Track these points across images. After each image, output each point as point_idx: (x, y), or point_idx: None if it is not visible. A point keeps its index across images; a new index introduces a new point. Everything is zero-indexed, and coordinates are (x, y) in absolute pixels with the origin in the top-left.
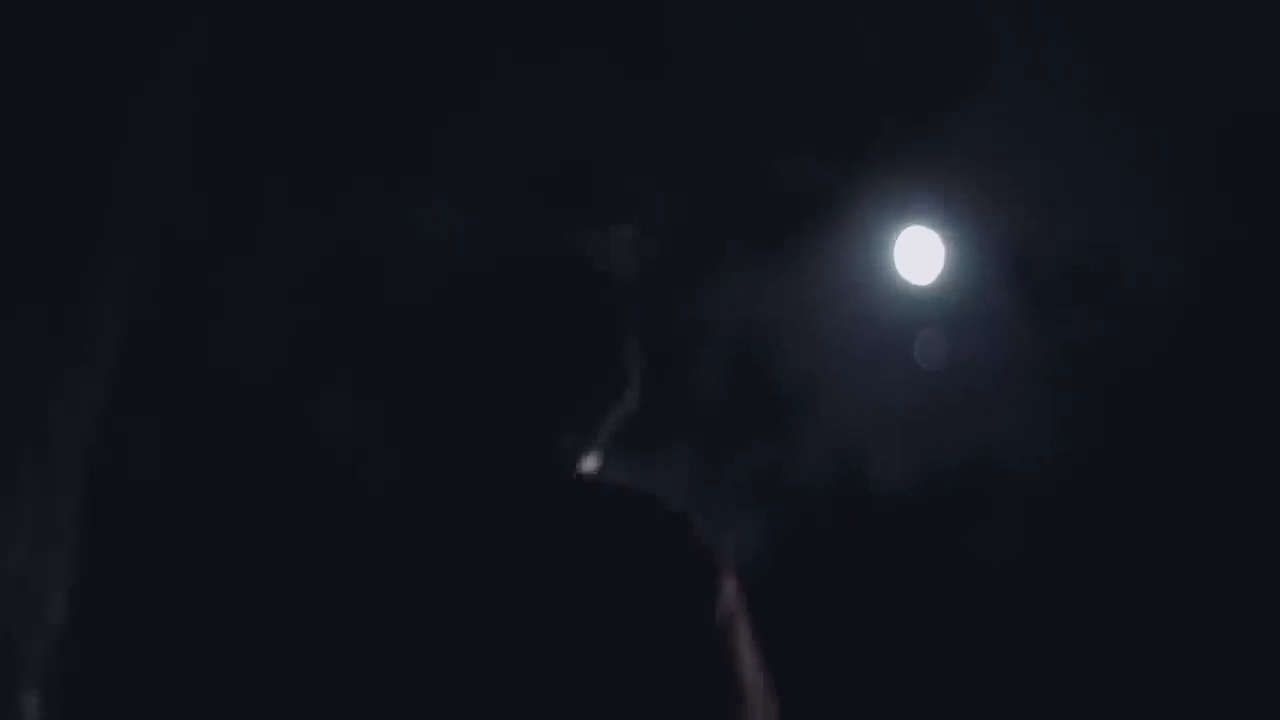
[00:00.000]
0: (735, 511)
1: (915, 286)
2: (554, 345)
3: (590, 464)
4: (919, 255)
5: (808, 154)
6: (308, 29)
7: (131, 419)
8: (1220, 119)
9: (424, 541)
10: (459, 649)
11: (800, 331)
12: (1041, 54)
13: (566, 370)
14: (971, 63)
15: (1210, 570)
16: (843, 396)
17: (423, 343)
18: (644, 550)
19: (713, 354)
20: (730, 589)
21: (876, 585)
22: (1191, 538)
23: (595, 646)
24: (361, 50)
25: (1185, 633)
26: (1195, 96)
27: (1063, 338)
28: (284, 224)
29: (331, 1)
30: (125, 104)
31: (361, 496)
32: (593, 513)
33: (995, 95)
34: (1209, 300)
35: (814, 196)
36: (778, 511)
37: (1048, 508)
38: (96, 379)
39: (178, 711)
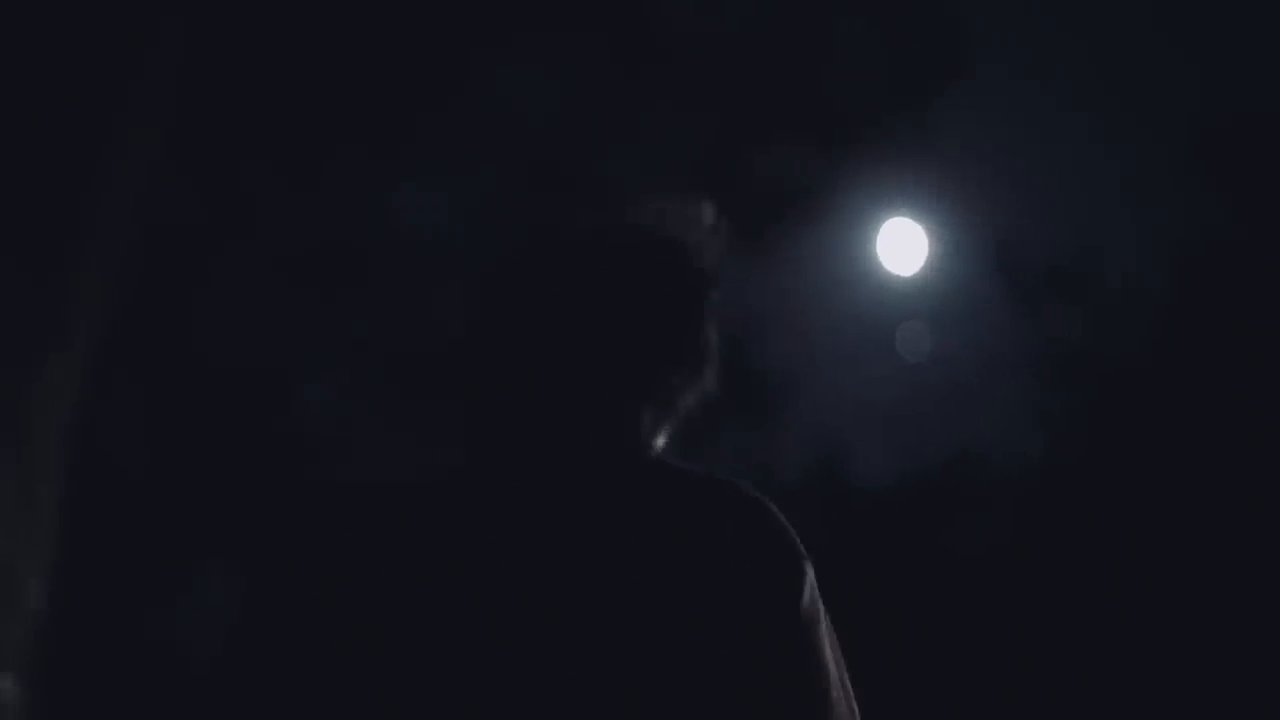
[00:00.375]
0: None
1: (898, 278)
2: (638, 319)
3: (661, 438)
4: (902, 247)
5: (790, 144)
6: (296, 14)
7: (112, 404)
8: (1208, 115)
9: (498, 524)
10: (533, 636)
11: (782, 322)
12: (1028, 46)
13: (648, 345)
14: (957, 54)
15: (1194, 565)
16: (824, 388)
17: (505, 313)
18: (730, 537)
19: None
20: (813, 578)
21: (858, 578)
22: (1174, 533)
23: (677, 634)
24: (348, 36)
25: (1168, 627)
26: (1183, 92)
27: (1047, 331)
28: (271, 209)
29: None
30: (108, 88)
31: (399, 480)
32: (678, 497)
33: (980, 87)
34: (1194, 296)
35: (797, 187)
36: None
37: (1030, 501)
38: (76, 364)
39: (161, 697)
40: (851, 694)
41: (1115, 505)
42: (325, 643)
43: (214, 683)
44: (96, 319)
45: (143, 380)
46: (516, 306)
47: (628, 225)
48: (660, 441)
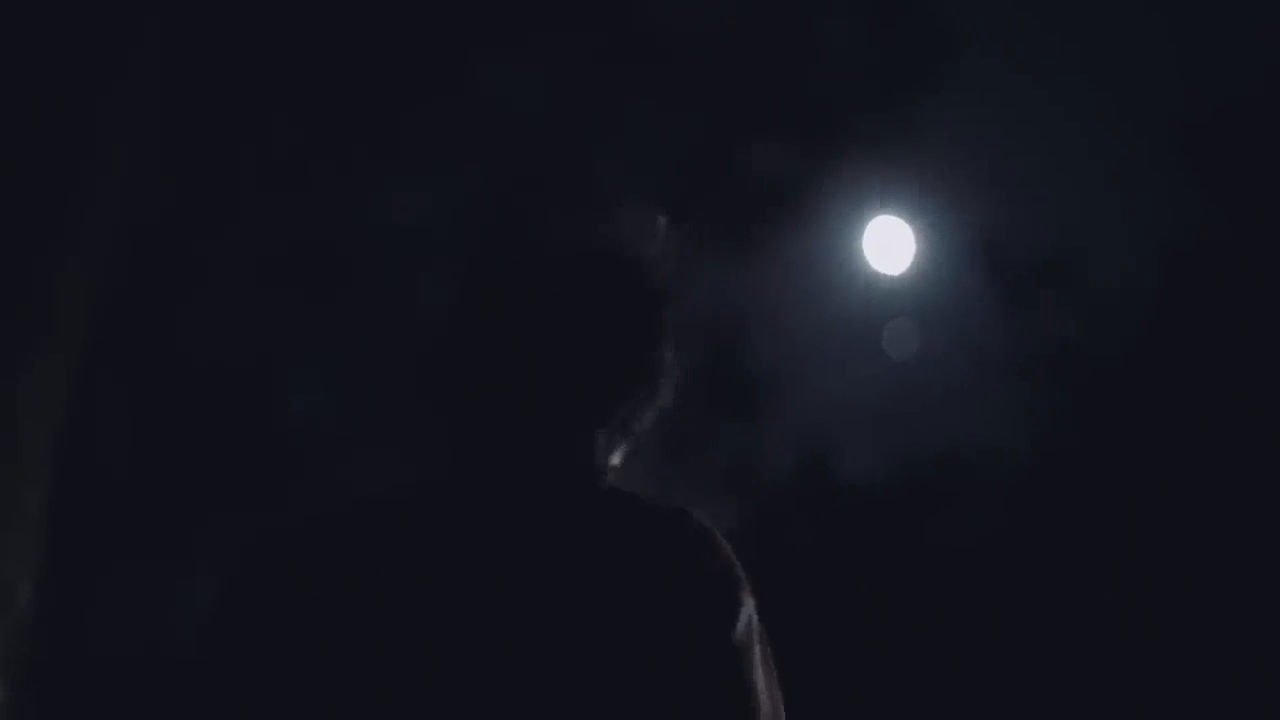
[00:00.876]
0: (703, 501)
1: (885, 276)
2: (592, 340)
3: (616, 458)
4: (889, 245)
5: (776, 143)
6: (282, 13)
7: (98, 406)
8: (1194, 112)
9: (442, 545)
10: (468, 657)
11: (769, 321)
12: (1014, 44)
13: (603, 367)
14: (942, 53)
15: (1183, 563)
16: (812, 387)
17: (451, 333)
18: (667, 564)
19: (680, 342)
20: (751, 609)
21: (845, 576)
22: (1162, 531)
23: (606, 658)
24: (336, 34)
25: (1158, 625)
26: (1169, 89)
27: (1034, 329)
28: (256, 209)
29: None
30: (92, 88)
31: (358, 493)
32: (623, 525)
33: (966, 85)
34: (1182, 294)
35: (783, 186)
36: (745, 502)
37: (1018, 499)
38: (63, 367)
39: (146, 700)
40: None
41: (1103, 503)
42: (279, 651)
43: (179, 684)
44: (82, 321)
45: (129, 382)
46: (470, 329)
47: (582, 242)
48: (615, 460)
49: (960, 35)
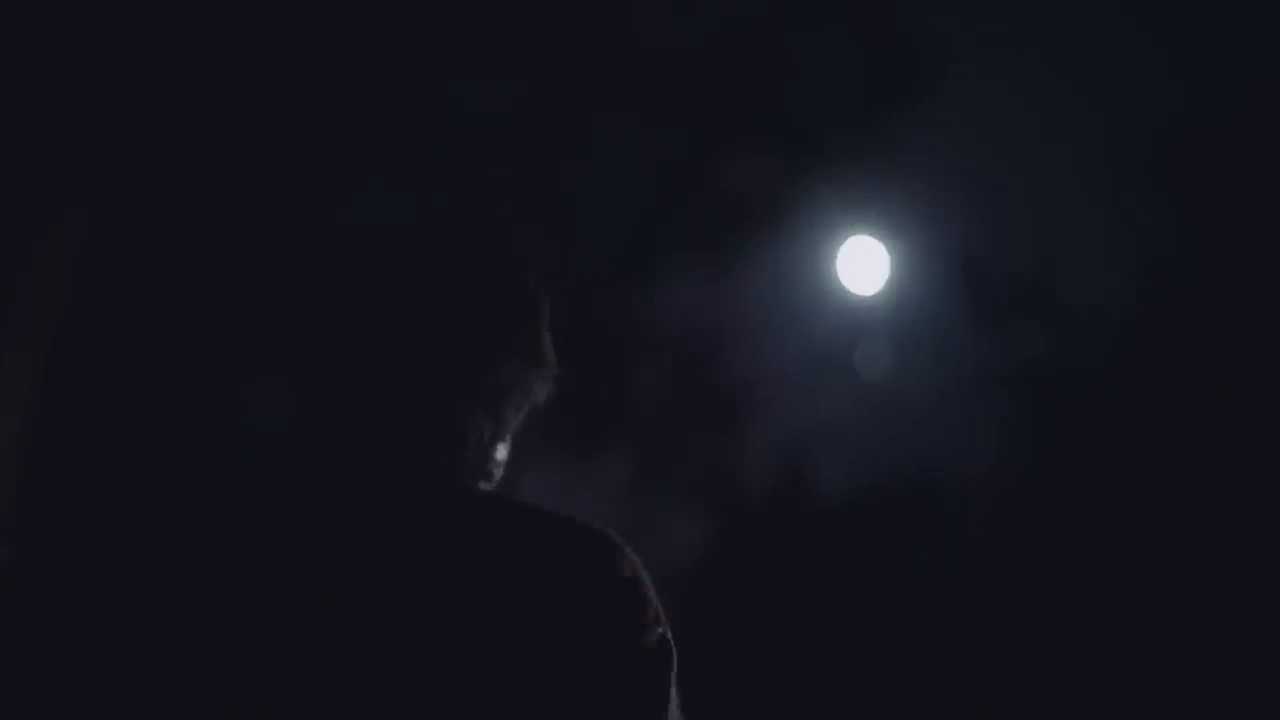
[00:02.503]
0: (674, 517)
1: (859, 296)
2: (459, 324)
3: (501, 453)
4: (864, 264)
5: (754, 157)
6: (257, 18)
7: (64, 407)
8: (1175, 132)
9: (318, 554)
10: (345, 667)
11: (743, 337)
12: (996, 63)
13: (469, 346)
14: (924, 69)
15: (1158, 582)
16: (784, 404)
17: (327, 321)
18: (564, 576)
19: (653, 358)
20: (653, 620)
21: (817, 593)
22: (1135, 551)
23: (504, 678)
24: (307, 40)
25: (1131, 643)
26: (1151, 108)
27: (1011, 349)
28: (221, 215)
29: None
30: (65, 87)
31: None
32: (508, 532)
33: (947, 103)
34: (1160, 315)
35: (759, 201)
36: (717, 519)
37: (992, 519)
38: (29, 367)
39: (111, 704)
40: None
41: (1079, 523)
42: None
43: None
44: (50, 322)
45: (94, 384)
46: (337, 315)
47: (450, 233)
48: (500, 457)
49: (941, 53)
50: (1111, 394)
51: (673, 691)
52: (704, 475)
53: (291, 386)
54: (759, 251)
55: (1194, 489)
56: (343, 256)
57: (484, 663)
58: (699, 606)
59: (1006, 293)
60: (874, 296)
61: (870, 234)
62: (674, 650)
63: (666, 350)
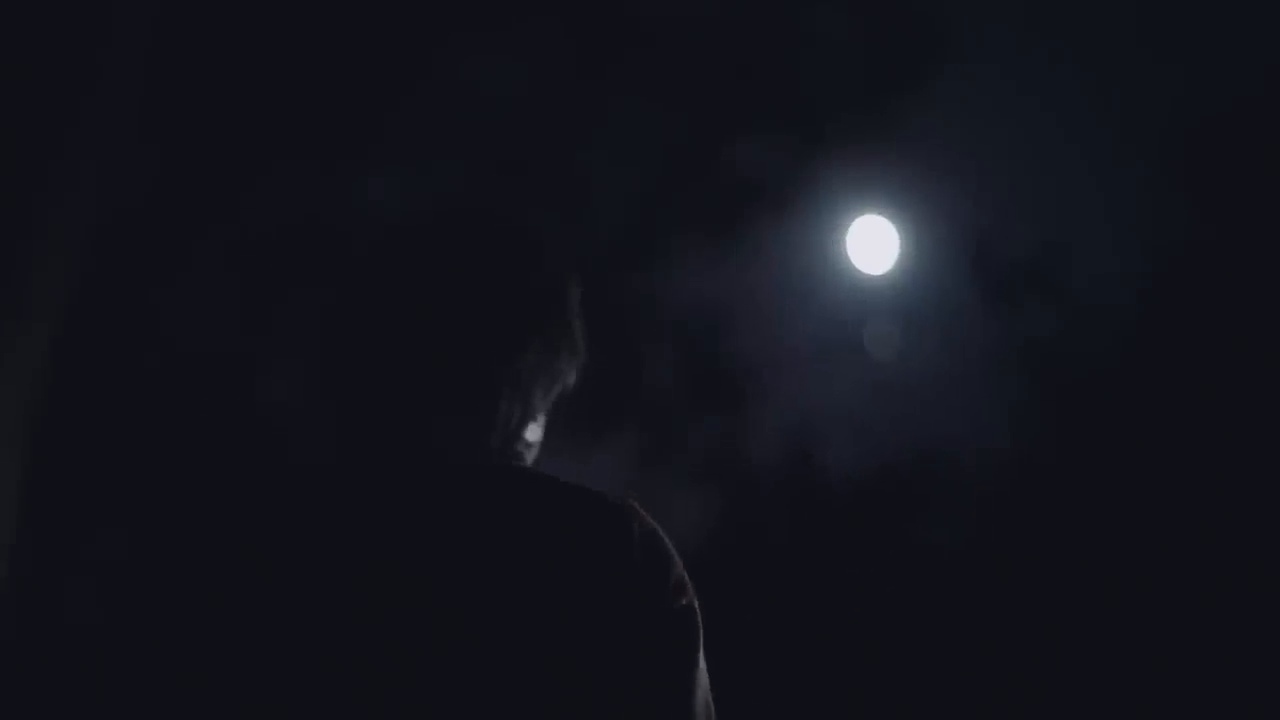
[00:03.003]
0: (683, 497)
1: (868, 276)
2: (490, 309)
3: (533, 434)
4: (873, 244)
5: (763, 138)
6: (267, 3)
7: (74, 389)
8: (1186, 116)
9: (354, 532)
10: (387, 645)
11: (752, 317)
12: (1004, 43)
13: (500, 335)
14: (931, 50)
15: (1166, 564)
16: (793, 384)
17: (358, 306)
18: (589, 547)
19: (663, 338)
20: (678, 584)
21: (825, 572)
22: (1143, 533)
23: (536, 646)
24: (316, 23)
25: (1139, 624)
26: (1160, 90)
27: (1018, 330)
28: (237, 199)
29: None
30: (73, 70)
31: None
32: (537, 506)
33: (955, 83)
34: (1168, 297)
35: (768, 181)
36: (726, 498)
37: (999, 499)
38: (38, 350)
39: (116, 696)
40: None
41: (1086, 504)
42: (183, 637)
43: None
44: (59, 305)
45: (105, 367)
46: (369, 300)
47: (479, 214)
48: (532, 439)
49: (949, 33)
50: (1118, 376)
51: (701, 662)
52: (713, 454)
53: (321, 371)
54: (768, 232)
55: (1200, 470)
56: (374, 241)
57: (512, 633)
58: (707, 585)
59: (1015, 274)
60: (883, 277)
61: (879, 214)
62: (700, 621)
63: (676, 330)
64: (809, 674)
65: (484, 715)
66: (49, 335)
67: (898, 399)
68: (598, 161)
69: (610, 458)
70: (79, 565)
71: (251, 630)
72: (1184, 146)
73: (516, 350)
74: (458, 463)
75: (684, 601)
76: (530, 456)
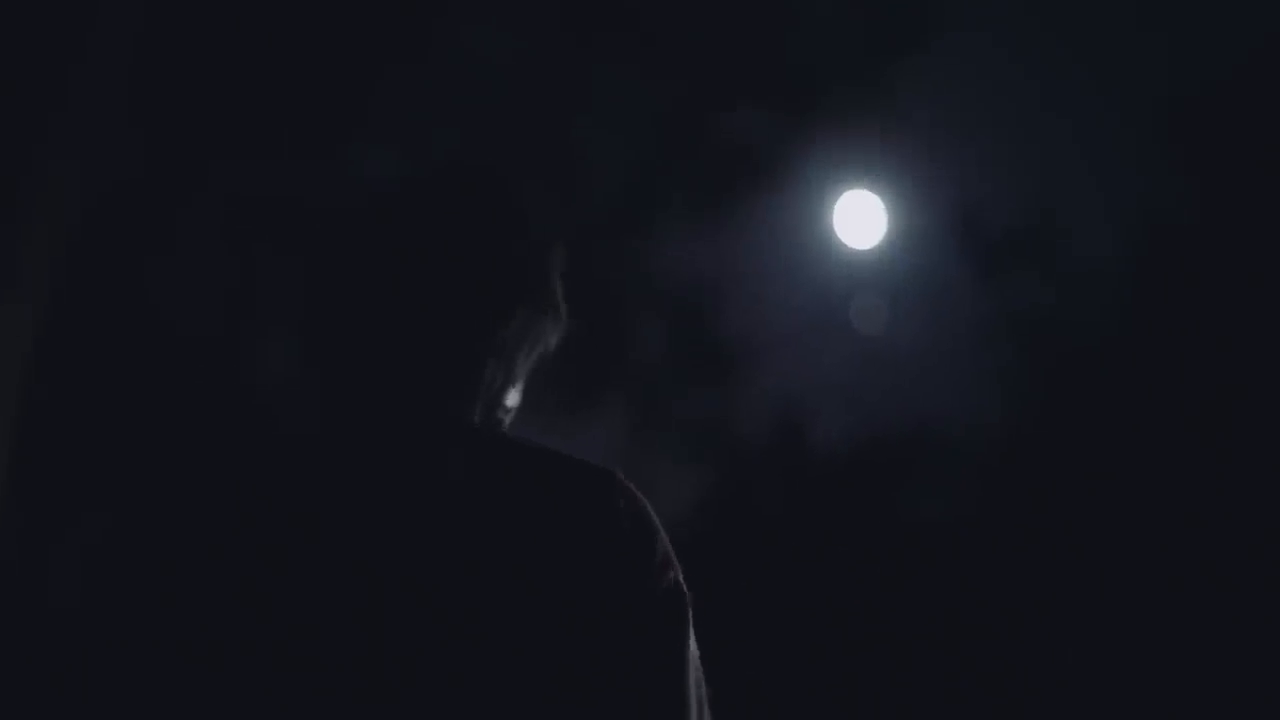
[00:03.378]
0: (672, 469)
1: (856, 249)
2: (472, 272)
3: (512, 399)
4: (861, 218)
5: (752, 110)
6: None
7: (63, 363)
8: (1177, 88)
9: (339, 504)
10: (367, 612)
11: (740, 290)
12: (995, 16)
13: (483, 298)
14: (922, 23)
15: (1159, 539)
16: (781, 358)
17: (341, 272)
18: (573, 516)
19: (650, 309)
20: (665, 559)
21: (815, 547)
22: (1134, 507)
23: (524, 619)
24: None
25: (1131, 601)
26: (1153, 64)
27: (1008, 304)
28: (223, 167)
29: None
30: (63, 42)
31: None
32: (519, 473)
33: (943, 57)
34: (1159, 270)
35: (757, 154)
36: (715, 471)
37: (990, 474)
38: (27, 323)
39: (109, 685)
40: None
41: (1078, 478)
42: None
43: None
44: (48, 279)
45: (94, 339)
46: (352, 266)
47: (462, 180)
48: (511, 403)
49: (937, 7)
50: (1107, 347)
51: (690, 639)
52: (701, 427)
53: (303, 338)
54: (756, 205)
55: (1192, 441)
56: (356, 208)
57: (500, 605)
58: (697, 559)
59: (1004, 246)
60: (871, 250)
61: (867, 188)
62: (688, 596)
63: (664, 303)
64: (800, 647)
65: (471, 690)
66: (33, 314)
67: (887, 372)
68: (586, 133)
69: (599, 431)
70: (65, 547)
71: (240, 604)
72: (1173, 117)
73: (501, 318)
74: (443, 431)
75: (671, 575)
76: (508, 420)
